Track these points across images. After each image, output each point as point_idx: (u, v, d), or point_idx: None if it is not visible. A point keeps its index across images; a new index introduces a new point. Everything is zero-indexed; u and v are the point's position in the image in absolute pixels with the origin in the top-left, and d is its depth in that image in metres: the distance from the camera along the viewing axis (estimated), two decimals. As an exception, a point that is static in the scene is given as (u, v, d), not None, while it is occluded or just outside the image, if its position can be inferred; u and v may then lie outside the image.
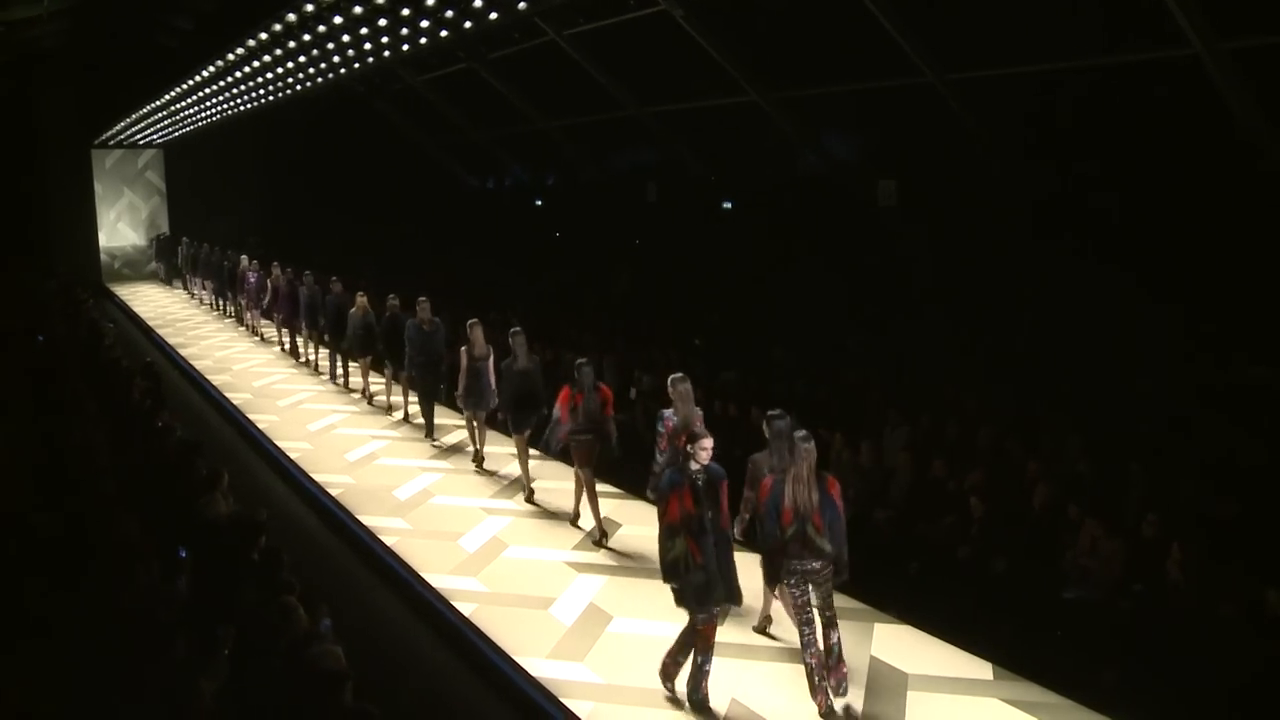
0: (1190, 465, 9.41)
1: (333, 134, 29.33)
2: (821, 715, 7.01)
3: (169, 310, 27.33)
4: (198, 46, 18.38)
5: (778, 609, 8.08)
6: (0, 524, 7.60)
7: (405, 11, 13.78)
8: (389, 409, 15.48)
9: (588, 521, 10.34)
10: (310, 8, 13.38)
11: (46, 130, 29.32)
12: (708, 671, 7.10)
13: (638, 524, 10.16)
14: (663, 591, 8.77)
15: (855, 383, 13.17)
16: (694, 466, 6.93)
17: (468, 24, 14.48)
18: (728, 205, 19.47)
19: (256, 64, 17.02)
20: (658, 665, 7.31)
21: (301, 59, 16.47)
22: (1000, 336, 13.27)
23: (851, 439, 10.74)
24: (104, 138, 31.67)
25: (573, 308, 20.36)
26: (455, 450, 13.25)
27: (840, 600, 8.48)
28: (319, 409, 15.84)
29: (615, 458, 10.21)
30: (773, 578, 7.33)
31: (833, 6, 13.58)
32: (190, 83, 20.26)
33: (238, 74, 18.39)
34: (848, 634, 8.06)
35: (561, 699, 7.30)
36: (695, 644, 7.07)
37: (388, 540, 10.31)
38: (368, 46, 15.64)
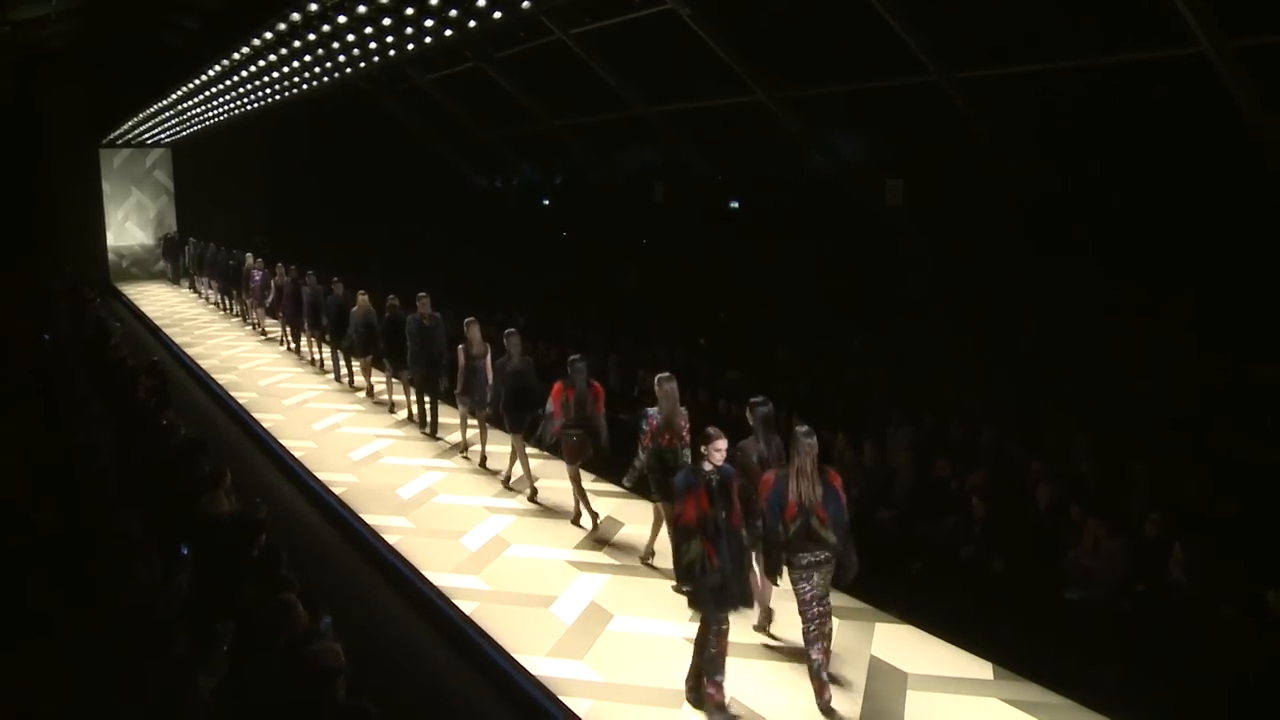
0: (1194, 465, 9.41)
1: (340, 133, 29.42)
2: (824, 710, 7.06)
3: (176, 310, 27.45)
4: (204, 45, 18.47)
5: (777, 608, 8.13)
6: (3, 521, 7.68)
7: (410, 11, 13.83)
8: (391, 408, 15.56)
9: (588, 520, 10.43)
10: (314, 7, 13.44)
11: (54, 129, 29.39)
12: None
13: (640, 523, 10.17)
14: (664, 590, 8.94)
15: (859, 382, 13.19)
16: (707, 467, 6.91)
17: (472, 23, 14.52)
18: (734, 205, 19.49)
19: (262, 63, 17.08)
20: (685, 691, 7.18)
21: (307, 58, 16.53)
22: (1005, 336, 13.27)
23: (854, 439, 10.77)
24: (112, 137, 31.79)
25: (578, 307, 20.41)
26: (459, 449, 13.29)
27: (841, 599, 8.58)
28: (324, 408, 15.92)
29: (605, 454, 10.36)
30: (771, 570, 7.37)
31: (839, 5, 13.58)
32: (197, 82, 20.36)
33: (244, 73, 18.48)
34: (849, 633, 8.16)
35: (561, 697, 7.33)
36: (708, 646, 7.05)
37: (390, 539, 10.37)
38: (373, 46, 15.70)
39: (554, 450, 10.54)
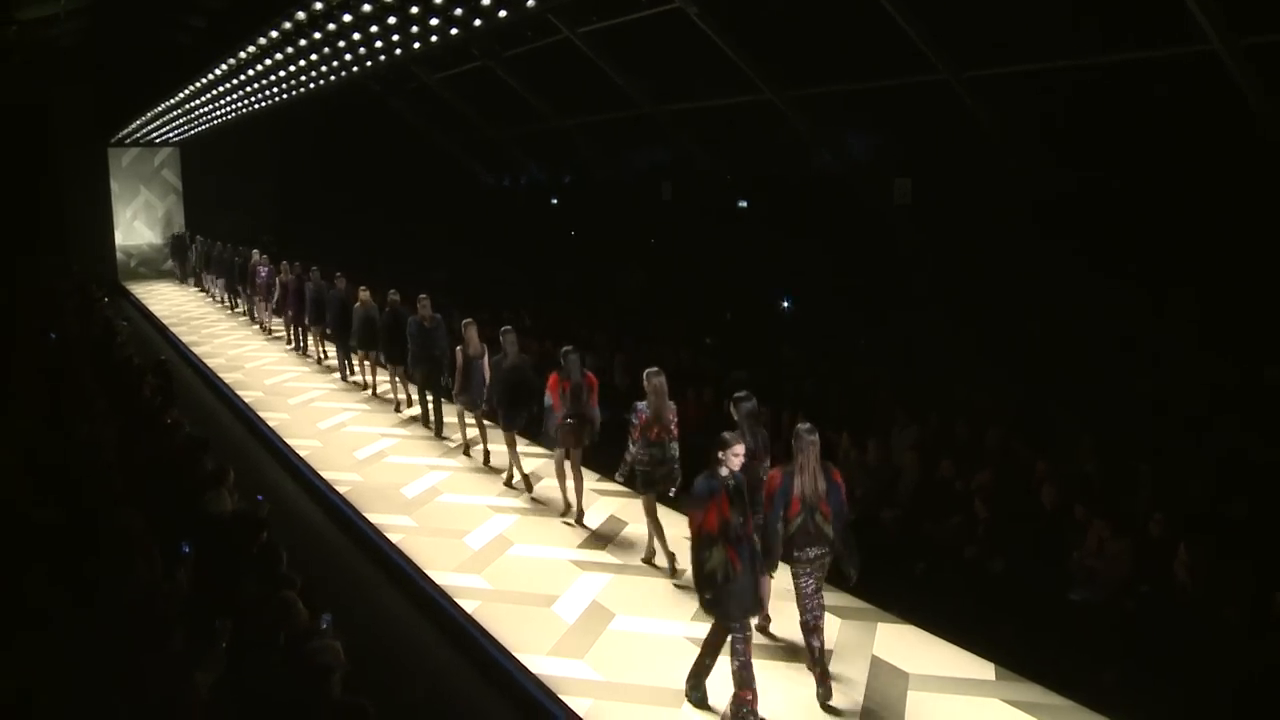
0: (1201, 466, 9.40)
1: (349, 132, 29.53)
2: (823, 703, 7.16)
3: (184, 309, 27.58)
4: (210, 44, 18.56)
5: (773, 608, 8.16)
6: (4, 518, 7.73)
7: (415, 9, 13.88)
8: (398, 406, 15.64)
9: (593, 520, 10.50)
10: (320, 5, 13.49)
11: (63, 128, 29.50)
12: (710, 668, 7.16)
13: (644, 523, 10.17)
14: (666, 590, 8.99)
15: (864, 382, 13.21)
16: (724, 472, 6.84)
17: (478, 22, 14.57)
18: (743, 204, 19.51)
19: (269, 61, 17.16)
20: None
21: (313, 56, 16.60)
22: (1012, 335, 13.26)
23: (858, 438, 10.78)
24: (120, 136, 31.90)
25: (585, 306, 20.47)
26: (463, 449, 13.32)
27: (844, 599, 8.64)
28: (330, 407, 15.99)
29: (597, 440, 10.53)
30: (771, 565, 7.40)
31: (846, 3, 13.61)
32: (203, 80, 20.45)
33: (250, 72, 18.56)
34: (851, 633, 8.19)
35: (561, 696, 7.36)
36: (715, 648, 7.04)
37: (393, 538, 10.42)
38: (379, 45, 15.76)
39: (557, 443, 10.66)
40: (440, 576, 9.44)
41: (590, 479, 11.26)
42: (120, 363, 14.05)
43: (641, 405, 9.22)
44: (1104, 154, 13.05)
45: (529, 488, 11.66)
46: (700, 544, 6.78)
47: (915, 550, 9.46)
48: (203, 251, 29.21)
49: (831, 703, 7.14)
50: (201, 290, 30.24)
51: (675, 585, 9.12)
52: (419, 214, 29.83)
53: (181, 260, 32.69)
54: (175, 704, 5.42)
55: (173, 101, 24.54)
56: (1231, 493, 8.89)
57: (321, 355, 19.33)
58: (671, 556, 9.35)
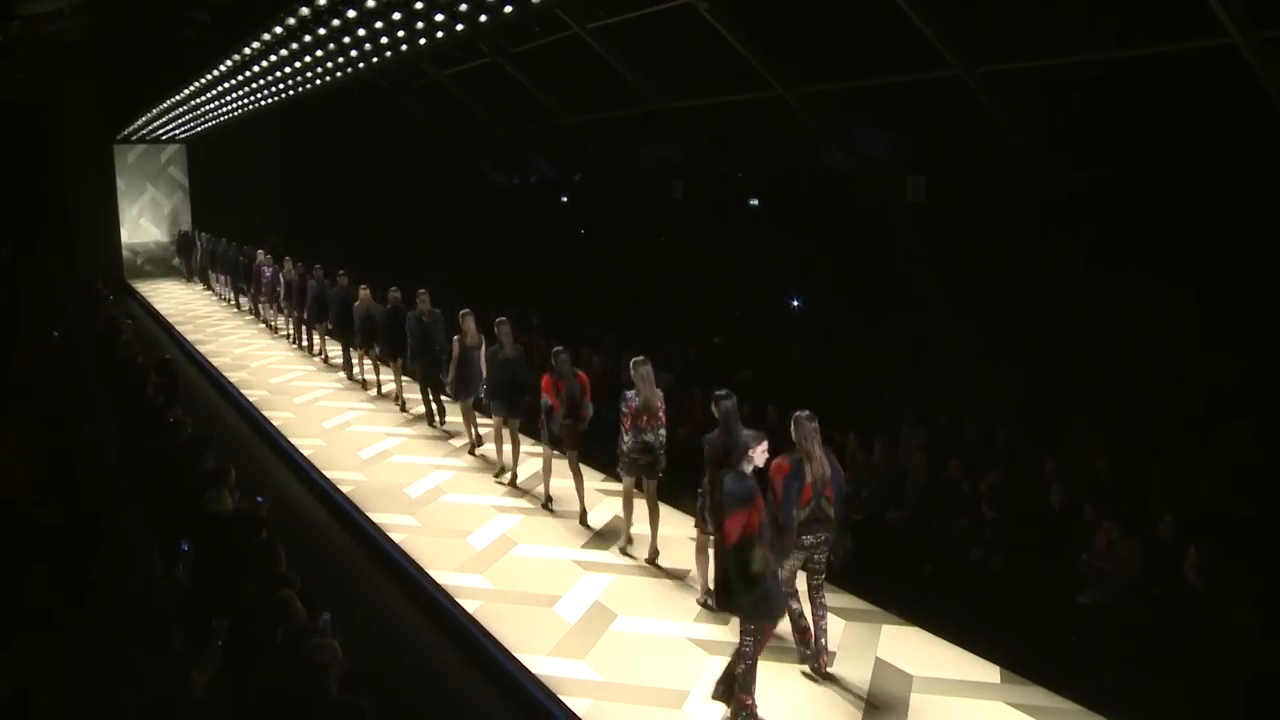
0: (1212, 467, 9.41)
1: (357, 130, 29.65)
2: (819, 671, 7.46)
3: (190, 307, 27.73)
4: (214, 40, 18.69)
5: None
6: (6, 517, 7.84)
7: (420, 4, 13.97)
8: (403, 405, 15.79)
9: (596, 520, 10.62)
10: (323, 1, 13.61)
11: (68, 125, 29.63)
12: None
13: (667, 526, 10.17)
14: (668, 590, 9.05)
15: (873, 382, 13.25)
16: (748, 469, 6.88)
17: (483, 18, 14.66)
18: (754, 202, 19.57)
19: (274, 57, 17.27)
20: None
21: (318, 53, 16.71)
22: (1025, 335, 13.28)
23: (866, 439, 10.82)
24: (126, 133, 32.04)
25: (595, 305, 20.55)
26: (468, 448, 13.41)
27: (848, 600, 8.72)
28: (335, 406, 16.09)
29: (584, 431, 10.80)
30: (783, 554, 7.45)
31: (858, -1, 13.69)
32: (209, 77, 20.59)
33: (256, 68, 18.68)
34: (855, 634, 8.24)
35: (561, 696, 7.42)
36: (745, 658, 6.97)
37: (396, 537, 10.50)
38: (384, 40, 15.86)
39: (558, 444, 10.83)
40: (442, 576, 9.51)
41: (595, 479, 11.43)
42: (124, 361, 14.18)
43: (630, 394, 9.50)
44: (1120, 150, 13.06)
45: (514, 480, 12.06)
46: (745, 545, 6.73)
47: (922, 551, 9.50)
48: (208, 250, 29.41)
49: (833, 703, 7.19)
50: (207, 289, 30.43)
51: (677, 586, 9.19)
52: (428, 212, 29.93)
53: (187, 258, 32.88)
54: (171, 702, 5.51)
55: (178, 98, 24.69)
56: (1243, 494, 8.91)
57: (325, 353, 19.49)
58: (629, 540, 9.97)
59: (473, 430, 13.42)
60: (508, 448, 12.16)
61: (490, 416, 12.40)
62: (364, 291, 16.24)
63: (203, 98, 24.46)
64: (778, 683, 7.50)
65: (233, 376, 18.30)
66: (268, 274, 22.18)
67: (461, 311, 13.03)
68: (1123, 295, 12.46)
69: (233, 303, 27.28)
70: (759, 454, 6.94)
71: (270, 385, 17.66)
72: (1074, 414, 11.07)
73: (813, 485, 7.36)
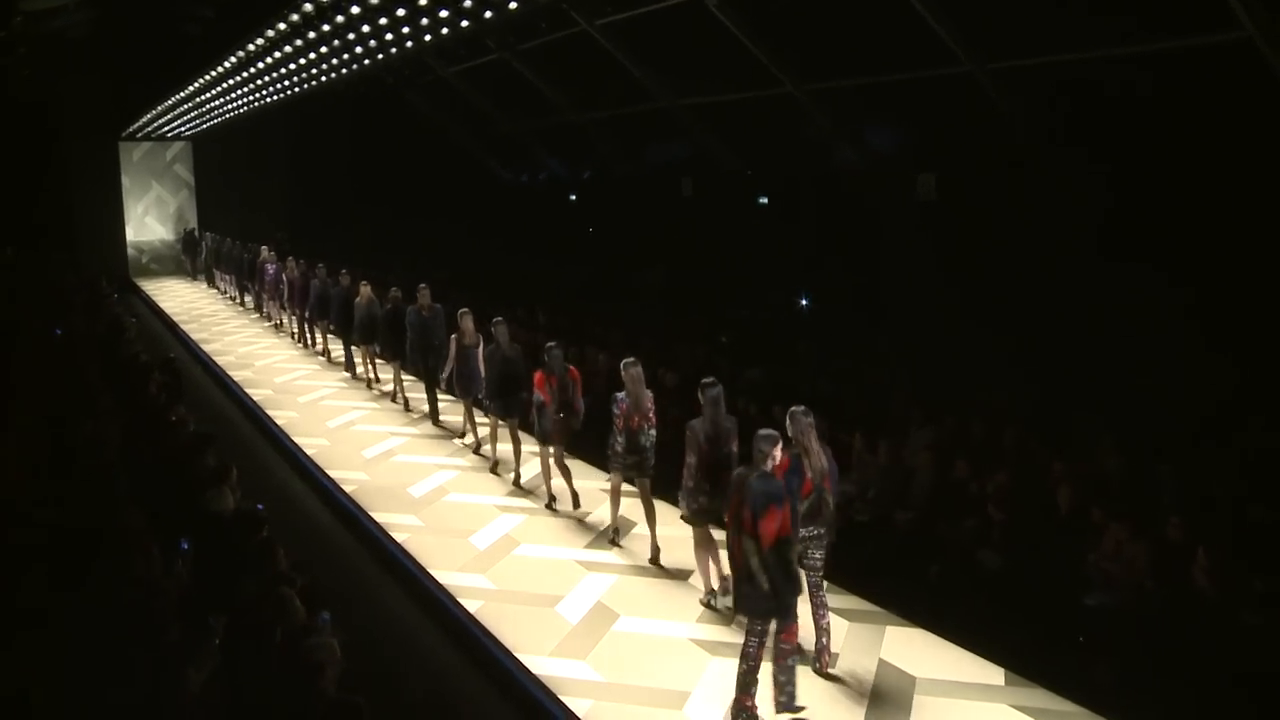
0: (1223, 467, 9.43)
1: (364, 127, 29.75)
2: (821, 672, 7.51)
3: (195, 306, 27.89)
4: (219, 36, 18.79)
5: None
6: (6, 515, 7.92)
7: (423, 1, 14.05)
8: (406, 404, 15.96)
9: (600, 519, 10.68)
10: (326, -4, 13.77)
11: (72, 122, 29.80)
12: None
13: (665, 525, 10.21)
14: (671, 591, 9.11)
15: (881, 381, 13.28)
16: (768, 467, 6.96)
17: (488, 14, 14.74)
18: (764, 200, 19.60)
19: (278, 54, 17.38)
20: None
21: (323, 49, 16.81)
22: (1036, 334, 13.30)
23: (871, 439, 10.85)
24: (131, 130, 32.16)
25: (602, 304, 20.61)
26: (472, 448, 13.50)
27: (852, 601, 8.76)
28: (339, 405, 16.20)
29: (579, 429, 11.13)
30: None
31: (868, -5, 13.71)
32: (214, 73, 20.71)
33: (260, 64, 18.79)
34: (858, 636, 8.28)
35: (562, 697, 7.47)
36: (749, 658, 7.05)
37: (399, 537, 10.57)
38: (389, 37, 15.94)
39: (549, 438, 11.15)
40: (444, 576, 9.58)
41: (600, 480, 11.50)
42: (127, 360, 14.28)
43: (621, 396, 9.70)
44: (1133, 147, 13.02)
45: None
46: (783, 544, 6.87)
47: (928, 552, 9.52)
48: (212, 248, 29.58)
49: (835, 704, 7.24)
50: (212, 287, 30.60)
51: (680, 586, 9.24)
52: (435, 209, 30.03)
53: (193, 256, 33.04)
54: (166, 699, 5.57)
55: (183, 94, 24.81)
56: (1253, 495, 8.92)
57: (328, 351, 19.71)
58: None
59: (474, 429, 13.63)
60: (504, 446, 12.40)
61: (490, 414, 12.62)
62: (365, 289, 16.56)
63: (208, 94, 24.59)
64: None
65: (237, 375, 18.43)
66: (271, 271, 22.42)
67: (460, 310, 13.27)
68: (1135, 293, 12.45)
69: (237, 301, 27.48)
70: (778, 453, 7.04)
71: (275, 384, 17.77)
72: (1084, 414, 11.07)
73: (813, 479, 7.50)
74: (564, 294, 21.98)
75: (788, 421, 7.66)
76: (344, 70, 19.43)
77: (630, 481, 9.92)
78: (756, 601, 6.89)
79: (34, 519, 7.96)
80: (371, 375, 17.33)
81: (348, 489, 12.11)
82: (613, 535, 10.33)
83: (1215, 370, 11.05)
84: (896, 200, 16.25)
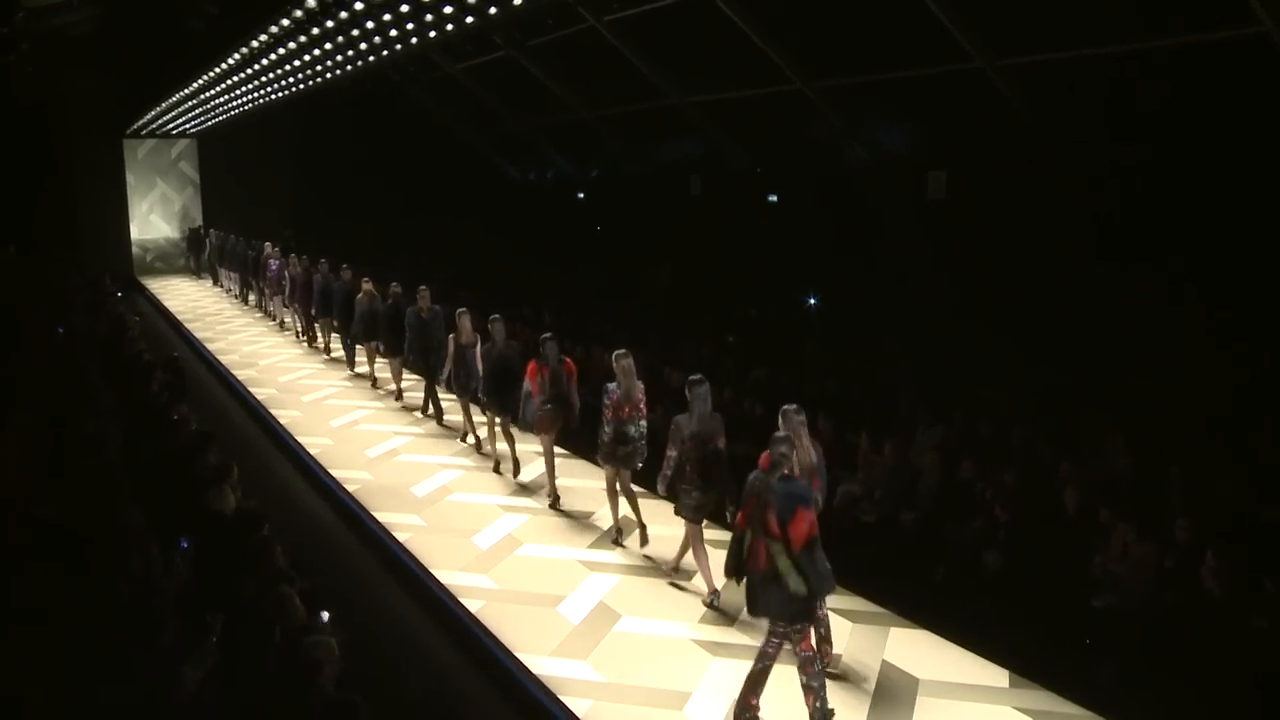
0: (1233, 468, 9.44)
1: (371, 125, 29.88)
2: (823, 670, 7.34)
3: (199, 304, 28.02)
4: (223, 32, 18.89)
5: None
6: (6, 513, 8.00)
7: (426, -3, 14.20)
8: (396, 395, 16.35)
9: (603, 520, 10.73)
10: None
11: (76, 120, 29.91)
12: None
13: (658, 524, 10.25)
14: (673, 592, 9.16)
15: (889, 381, 13.31)
16: (785, 470, 7.07)
17: (493, 10, 14.81)
18: (773, 199, 19.64)
19: (283, 50, 17.46)
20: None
21: (327, 45, 16.88)
22: (1044, 333, 13.32)
23: (877, 439, 10.88)
24: (136, 127, 32.23)
25: (609, 303, 20.68)
26: (477, 448, 13.59)
27: (856, 603, 8.79)
28: (343, 404, 16.29)
29: (576, 426, 11.40)
30: None
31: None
32: (218, 70, 20.80)
33: (265, 60, 18.87)
34: (861, 638, 8.32)
35: (561, 697, 7.53)
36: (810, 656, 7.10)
37: (401, 536, 10.64)
38: (394, 33, 16.01)
39: (533, 427, 11.51)
40: (446, 576, 9.64)
41: (603, 479, 11.50)
42: (130, 359, 14.37)
43: (612, 386, 9.97)
44: (1147, 144, 13.03)
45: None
46: (813, 545, 6.96)
47: (934, 553, 9.56)
48: (216, 245, 29.73)
49: (836, 705, 7.26)
50: (217, 285, 30.76)
51: (682, 587, 9.30)
52: (442, 207, 30.13)
53: (197, 254, 33.19)
54: (162, 697, 5.64)
55: (187, 91, 24.90)
56: (1267, 497, 8.93)
57: (330, 348, 19.94)
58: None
59: (473, 427, 13.86)
60: (503, 445, 12.61)
61: (487, 411, 12.84)
62: (367, 285, 16.81)
63: (213, 91, 24.67)
64: (781, 683, 7.59)
65: (241, 374, 18.53)
66: (274, 268, 22.63)
67: (458, 310, 13.44)
68: (1148, 292, 12.47)
69: (241, 299, 27.68)
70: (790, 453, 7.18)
71: (278, 383, 17.87)
72: (1093, 413, 11.09)
73: (801, 474, 7.55)
74: (571, 293, 22.03)
75: (780, 419, 7.81)
76: (349, 67, 19.51)
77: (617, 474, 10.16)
78: (784, 604, 6.92)
79: (33, 517, 8.04)
80: (372, 372, 17.52)
81: (350, 488, 12.19)
82: (615, 535, 10.42)
83: (1227, 370, 11.07)
84: (907, 198, 16.29)
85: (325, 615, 7.05)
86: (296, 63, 19.02)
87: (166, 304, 27.74)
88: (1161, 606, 8.19)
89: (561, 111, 22.93)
